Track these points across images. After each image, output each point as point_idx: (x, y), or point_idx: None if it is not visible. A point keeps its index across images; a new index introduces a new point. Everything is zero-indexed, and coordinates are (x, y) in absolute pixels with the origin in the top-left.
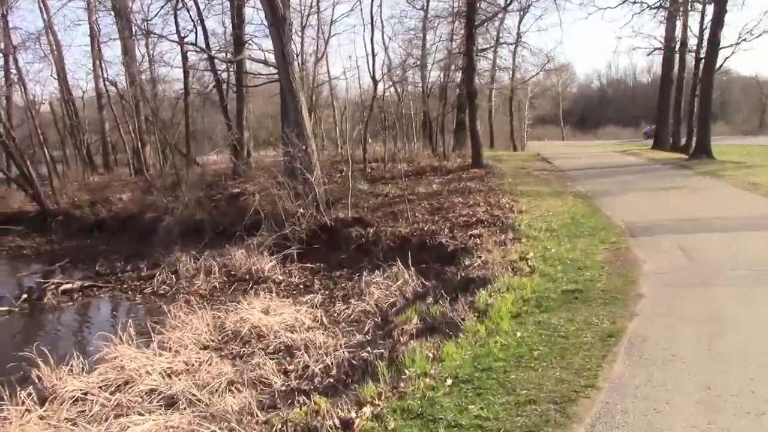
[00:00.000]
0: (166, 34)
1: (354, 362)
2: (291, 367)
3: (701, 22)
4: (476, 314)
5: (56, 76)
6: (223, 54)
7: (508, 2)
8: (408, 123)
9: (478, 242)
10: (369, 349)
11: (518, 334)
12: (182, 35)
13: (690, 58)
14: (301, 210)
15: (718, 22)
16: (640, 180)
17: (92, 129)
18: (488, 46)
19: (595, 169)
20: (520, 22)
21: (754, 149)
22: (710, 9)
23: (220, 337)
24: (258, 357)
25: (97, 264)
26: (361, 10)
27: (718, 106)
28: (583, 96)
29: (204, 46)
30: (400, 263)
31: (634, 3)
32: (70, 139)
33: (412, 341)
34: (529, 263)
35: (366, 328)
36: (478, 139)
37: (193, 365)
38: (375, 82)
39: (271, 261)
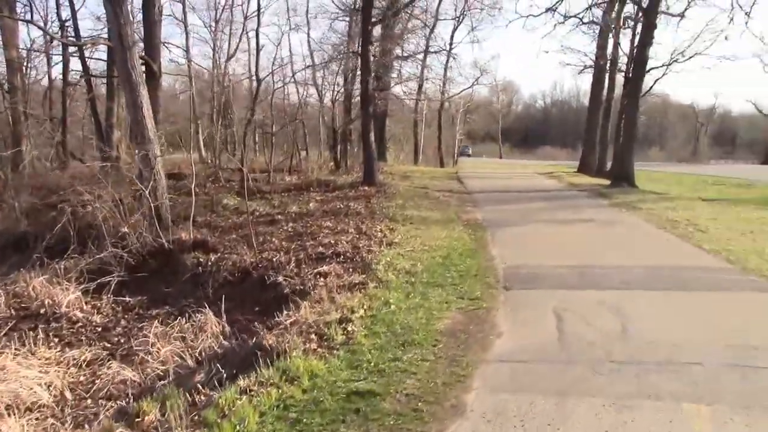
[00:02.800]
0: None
1: None
2: None
3: (632, 40)
4: None
5: None
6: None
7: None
8: (311, 131)
9: (321, 283)
10: None
11: None
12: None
13: (621, 79)
14: (125, 229)
15: (646, 38)
16: (549, 209)
17: None
18: (409, 54)
19: (507, 192)
20: (453, 31)
21: (684, 178)
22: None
23: None
24: None
25: None
26: (288, 9)
27: (656, 131)
28: (527, 115)
29: (73, 32)
30: (209, 311)
31: (555, 12)
32: None
33: None
34: (348, 329)
35: (100, 417)
36: (371, 152)
37: None
38: (258, 81)
39: (75, 292)
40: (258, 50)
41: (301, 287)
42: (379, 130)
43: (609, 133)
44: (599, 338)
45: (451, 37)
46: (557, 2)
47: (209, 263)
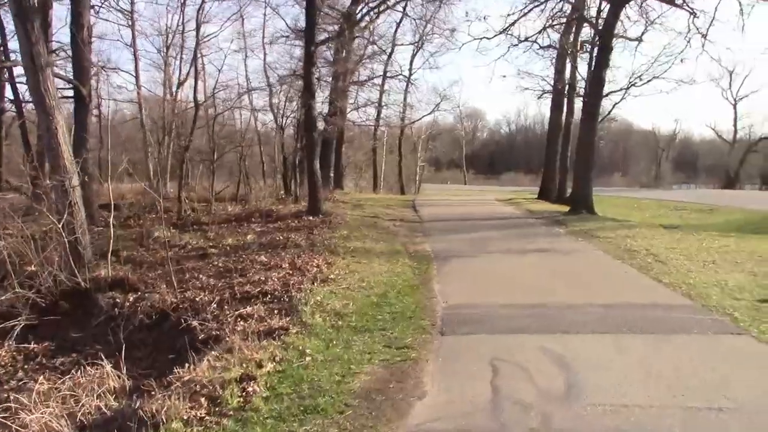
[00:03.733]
0: None
1: None
2: None
3: (590, 64)
4: None
5: None
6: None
7: (354, 20)
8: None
9: (240, 328)
10: None
11: None
12: None
13: (580, 103)
14: (32, 267)
15: (602, 61)
16: (503, 238)
17: None
18: (365, 79)
19: (462, 220)
20: (412, 57)
21: (645, 203)
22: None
23: None
24: None
25: None
26: (243, 34)
27: (619, 157)
28: (492, 141)
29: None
30: (106, 363)
31: (510, 35)
32: None
33: None
34: (248, 389)
35: None
36: (316, 179)
37: None
38: (197, 106)
39: None
40: (196, 75)
41: (218, 332)
42: (335, 157)
43: (569, 159)
44: (539, 399)
45: (410, 63)
46: (510, 24)
47: (126, 304)
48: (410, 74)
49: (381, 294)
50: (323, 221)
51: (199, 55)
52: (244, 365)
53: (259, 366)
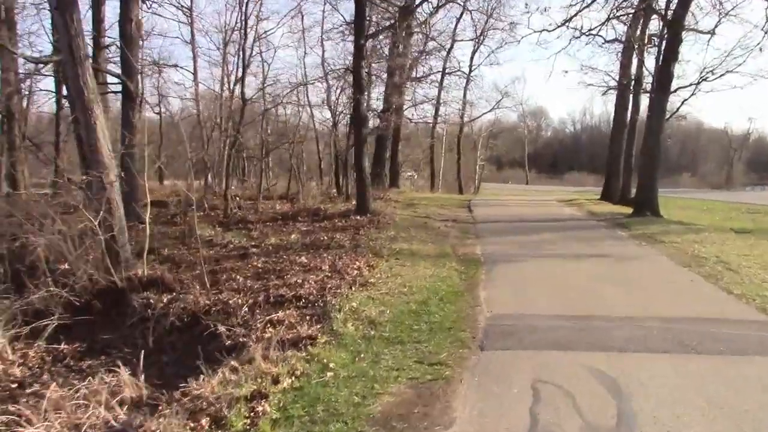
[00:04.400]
0: None
1: None
2: None
3: (657, 58)
4: None
5: None
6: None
7: (409, 13)
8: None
9: (267, 335)
10: None
11: None
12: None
13: (646, 100)
14: (65, 265)
15: (670, 53)
16: (561, 241)
17: None
18: (423, 75)
19: (518, 222)
20: (473, 53)
21: (715, 206)
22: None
23: None
24: None
25: None
26: (303, 31)
27: (688, 156)
28: (556, 140)
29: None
30: (123, 371)
31: (573, 28)
32: None
33: None
34: (257, 409)
35: None
36: (365, 179)
37: None
38: (243, 101)
39: (1, 339)
40: (244, 71)
41: (244, 339)
42: (391, 155)
43: (634, 158)
44: None
45: (471, 59)
46: (572, 16)
47: (160, 305)
48: (470, 70)
49: (421, 301)
50: (371, 221)
51: (255, 52)
52: (259, 380)
53: (275, 381)
